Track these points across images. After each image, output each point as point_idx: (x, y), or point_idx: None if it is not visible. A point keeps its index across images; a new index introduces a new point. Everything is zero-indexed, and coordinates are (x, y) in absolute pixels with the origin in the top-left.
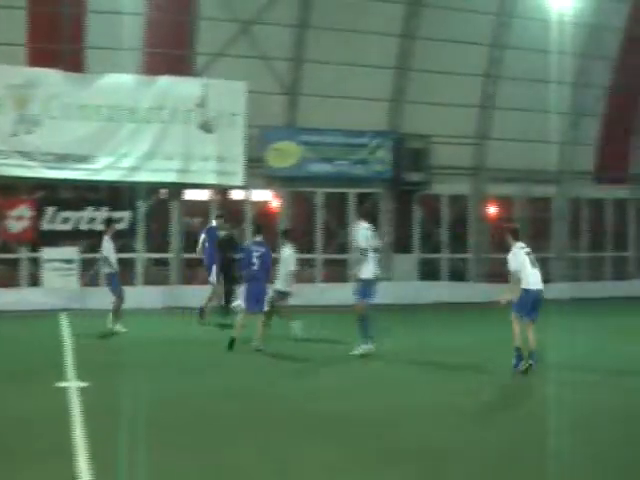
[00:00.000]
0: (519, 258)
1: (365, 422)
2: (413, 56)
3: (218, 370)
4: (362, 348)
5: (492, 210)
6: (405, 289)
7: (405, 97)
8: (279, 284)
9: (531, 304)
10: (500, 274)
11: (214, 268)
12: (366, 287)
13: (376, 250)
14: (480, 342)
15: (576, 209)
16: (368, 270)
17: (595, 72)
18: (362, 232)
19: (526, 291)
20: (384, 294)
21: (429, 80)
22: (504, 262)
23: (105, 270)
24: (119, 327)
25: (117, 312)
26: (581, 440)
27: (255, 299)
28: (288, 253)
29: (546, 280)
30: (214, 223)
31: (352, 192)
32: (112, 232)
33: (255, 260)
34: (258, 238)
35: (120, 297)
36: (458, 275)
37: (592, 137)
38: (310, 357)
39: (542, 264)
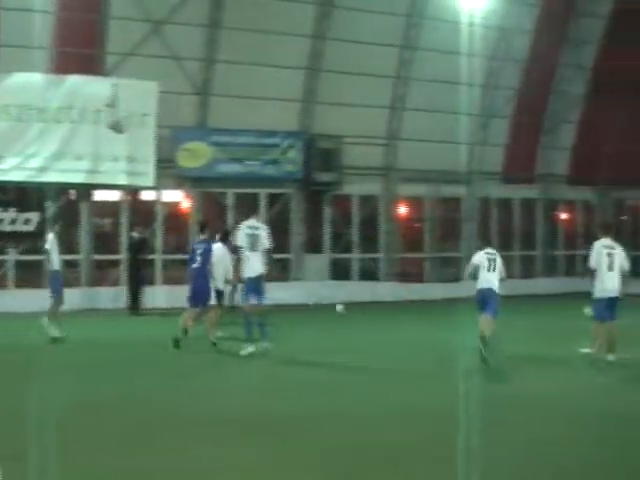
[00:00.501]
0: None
1: (282, 422)
2: (324, 57)
3: (137, 371)
4: (250, 348)
5: (402, 210)
6: (316, 289)
7: (316, 98)
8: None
9: (482, 301)
10: (410, 273)
11: None
12: (249, 286)
13: (266, 250)
14: (379, 340)
15: (485, 209)
16: (249, 269)
17: (504, 74)
18: (241, 231)
19: (478, 290)
20: (295, 294)
21: (340, 81)
22: (415, 262)
23: (48, 268)
24: (55, 331)
25: (55, 314)
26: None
27: (197, 296)
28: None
29: (455, 279)
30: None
31: (263, 192)
32: (56, 230)
33: (198, 258)
34: (202, 236)
35: (60, 298)
36: (369, 275)
37: (501, 138)
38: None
39: (452, 263)
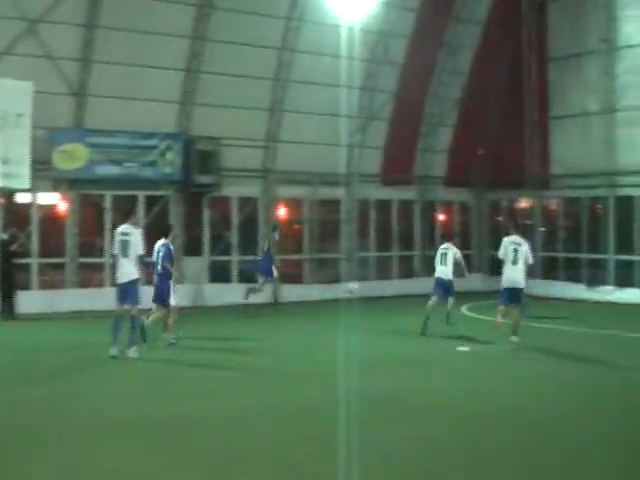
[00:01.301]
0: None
1: (155, 425)
2: (203, 58)
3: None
4: (132, 351)
5: (282, 212)
6: (196, 292)
7: (195, 99)
8: None
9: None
10: (290, 274)
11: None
12: (123, 291)
13: (139, 255)
14: (255, 341)
15: (364, 210)
16: (122, 274)
17: (382, 77)
18: (116, 237)
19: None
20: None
21: (219, 82)
22: (295, 263)
23: None
24: None
25: None
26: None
27: (159, 295)
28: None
29: (335, 280)
30: None
31: (141, 195)
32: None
33: (158, 260)
34: (163, 240)
35: None
36: (249, 277)
37: (379, 140)
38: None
39: (332, 264)
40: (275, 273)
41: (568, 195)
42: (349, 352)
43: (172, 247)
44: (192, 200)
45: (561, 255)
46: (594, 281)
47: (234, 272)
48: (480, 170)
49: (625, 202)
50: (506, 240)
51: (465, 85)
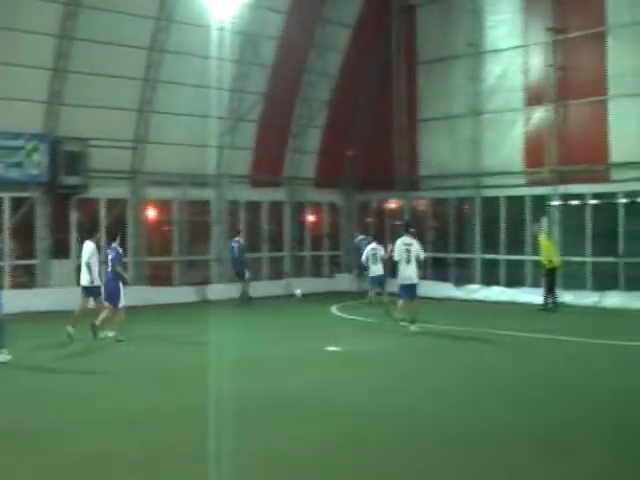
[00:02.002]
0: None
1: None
2: (71, 57)
3: None
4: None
5: (151, 213)
6: (64, 295)
7: (62, 99)
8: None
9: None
10: (160, 276)
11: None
12: None
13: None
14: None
15: (234, 211)
16: None
17: (252, 78)
18: None
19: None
20: (41, 302)
21: (87, 82)
22: (164, 265)
23: None
24: None
25: None
26: None
27: (109, 295)
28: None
29: (205, 282)
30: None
31: (7, 196)
32: None
33: (109, 262)
34: (113, 244)
35: None
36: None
37: (249, 141)
38: None
39: (201, 266)
40: (247, 274)
41: (436, 196)
42: (221, 354)
43: (120, 249)
44: (59, 202)
45: (430, 255)
46: (461, 280)
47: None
48: (349, 171)
49: (490, 202)
50: (399, 242)
51: (335, 87)
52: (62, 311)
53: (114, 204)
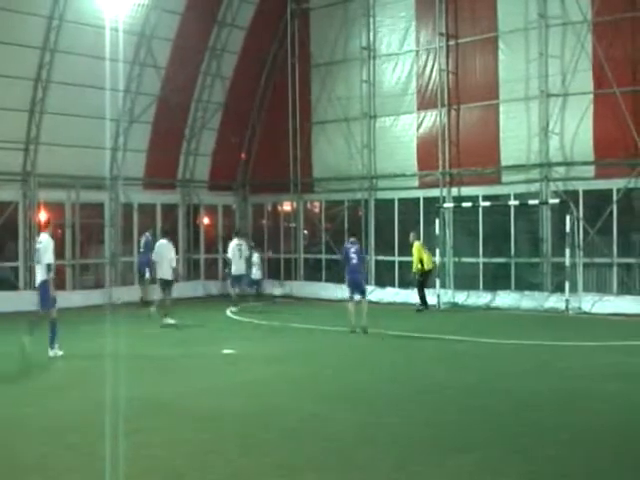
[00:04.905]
0: None
1: None
2: None
3: None
4: None
5: (43, 216)
6: None
7: None
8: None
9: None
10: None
11: None
12: None
13: None
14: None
15: (128, 214)
16: None
17: (146, 80)
18: None
19: None
20: None
21: None
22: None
23: None
24: None
25: None
26: None
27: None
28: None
29: (98, 285)
30: None
31: None
32: None
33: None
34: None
35: None
36: (9, 284)
37: (143, 143)
38: None
39: (94, 270)
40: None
41: (330, 198)
42: (112, 359)
43: None
44: None
45: (324, 257)
46: None
47: None
48: (243, 174)
49: (384, 205)
50: (232, 243)
51: (229, 89)
52: None
53: (5, 207)
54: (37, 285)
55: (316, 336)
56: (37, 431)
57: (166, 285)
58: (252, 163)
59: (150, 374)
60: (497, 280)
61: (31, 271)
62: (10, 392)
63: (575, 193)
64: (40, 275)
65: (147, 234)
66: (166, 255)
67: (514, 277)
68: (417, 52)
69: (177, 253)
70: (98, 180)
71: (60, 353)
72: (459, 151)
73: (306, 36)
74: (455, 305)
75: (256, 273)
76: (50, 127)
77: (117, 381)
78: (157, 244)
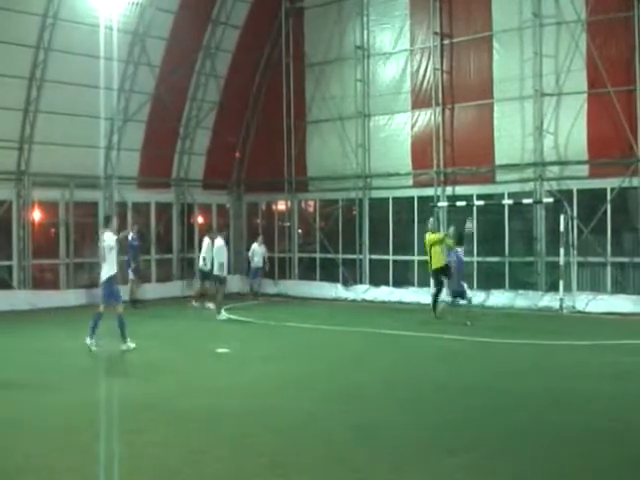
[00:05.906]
0: None
1: None
2: None
3: None
4: None
5: (37, 215)
6: None
7: None
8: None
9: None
10: (46, 280)
11: None
12: None
13: None
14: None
15: (123, 213)
16: None
17: (140, 79)
18: None
19: None
20: None
21: None
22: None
23: None
24: None
25: None
26: None
27: None
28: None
29: (93, 284)
30: None
31: None
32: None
33: None
34: None
35: None
36: (3, 283)
37: (137, 142)
38: None
39: (88, 269)
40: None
41: (324, 197)
42: (108, 360)
43: None
44: None
45: (318, 256)
46: (350, 280)
47: None
48: (238, 173)
49: (379, 204)
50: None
51: (223, 88)
52: None
53: None
54: (102, 281)
55: (312, 335)
56: (37, 431)
57: (219, 281)
58: (246, 162)
59: (143, 373)
60: (491, 279)
61: (25, 270)
62: (10, 394)
63: (569, 192)
64: (105, 272)
65: (132, 232)
66: (223, 254)
67: (508, 276)
68: (411, 51)
69: (171, 252)
70: (92, 179)
71: (132, 346)
72: (453, 150)
73: (300, 35)
74: (449, 304)
75: (258, 261)
76: (44, 126)
77: (111, 382)
78: (217, 245)
